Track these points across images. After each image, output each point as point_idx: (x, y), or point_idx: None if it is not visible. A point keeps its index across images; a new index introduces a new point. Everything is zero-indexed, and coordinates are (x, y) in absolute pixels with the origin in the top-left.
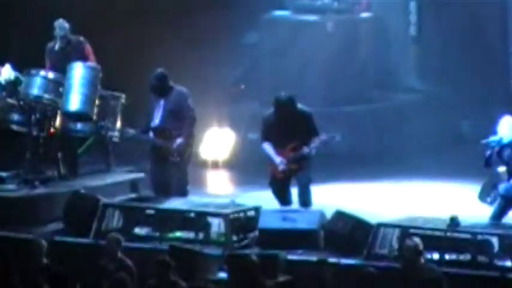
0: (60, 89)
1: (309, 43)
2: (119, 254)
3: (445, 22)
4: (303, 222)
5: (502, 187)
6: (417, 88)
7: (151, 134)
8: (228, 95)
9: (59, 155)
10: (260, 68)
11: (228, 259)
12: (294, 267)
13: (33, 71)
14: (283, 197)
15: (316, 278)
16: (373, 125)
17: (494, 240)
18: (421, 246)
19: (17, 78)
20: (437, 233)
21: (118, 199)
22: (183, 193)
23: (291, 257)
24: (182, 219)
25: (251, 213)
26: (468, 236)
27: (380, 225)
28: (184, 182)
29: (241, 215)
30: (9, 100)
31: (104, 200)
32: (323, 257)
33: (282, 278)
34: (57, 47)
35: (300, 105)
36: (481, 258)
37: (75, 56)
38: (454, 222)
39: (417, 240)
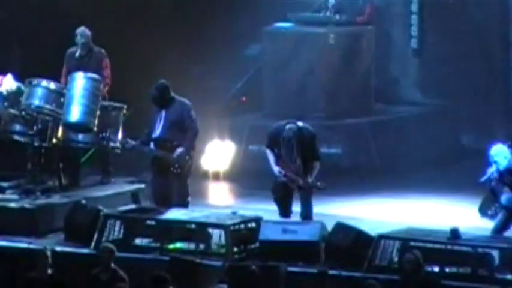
0: (62, 99)
1: (311, 55)
2: (112, 265)
3: (446, 35)
4: (304, 234)
5: (504, 198)
6: (418, 101)
7: (152, 145)
8: (229, 107)
9: (60, 165)
10: (262, 80)
11: (228, 270)
12: (295, 279)
13: (34, 81)
14: (284, 206)
15: None
16: (373, 138)
17: (495, 253)
18: (421, 259)
19: (18, 88)
20: (438, 246)
21: (119, 210)
22: (183, 204)
23: (291, 268)
24: (183, 231)
25: (252, 224)
26: (469, 248)
27: (380, 237)
28: (185, 193)
29: (242, 226)
30: (11, 110)
31: (105, 210)
32: (323, 269)
33: None
34: (77, 54)
35: (305, 125)
36: (482, 272)
37: (92, 66)
38: (454, 234)
39: (418, 253)
